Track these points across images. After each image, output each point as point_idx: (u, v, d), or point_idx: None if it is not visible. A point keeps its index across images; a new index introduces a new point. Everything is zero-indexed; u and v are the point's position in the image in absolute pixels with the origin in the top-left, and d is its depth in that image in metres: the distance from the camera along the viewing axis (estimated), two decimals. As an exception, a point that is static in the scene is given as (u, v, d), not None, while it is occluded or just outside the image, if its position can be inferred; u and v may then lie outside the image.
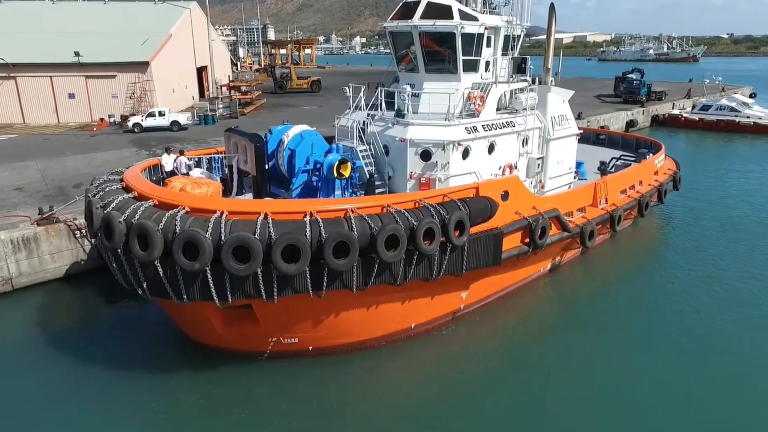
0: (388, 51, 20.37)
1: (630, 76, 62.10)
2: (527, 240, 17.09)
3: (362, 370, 15.17)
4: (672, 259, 22.95)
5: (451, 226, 13.87)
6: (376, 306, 14.94)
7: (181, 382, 14.49)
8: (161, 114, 39.93)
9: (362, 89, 19.86)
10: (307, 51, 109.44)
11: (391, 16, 19.51)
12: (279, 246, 11.74)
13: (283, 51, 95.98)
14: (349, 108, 20.08)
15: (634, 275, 21.56)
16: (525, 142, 20.08)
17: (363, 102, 19.62)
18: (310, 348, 15.09)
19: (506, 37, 19.90)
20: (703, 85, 66.52)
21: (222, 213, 12.17)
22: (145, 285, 12.66)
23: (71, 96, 45.11)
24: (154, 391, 14.12)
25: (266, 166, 15.99)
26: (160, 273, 12.14)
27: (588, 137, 33.13)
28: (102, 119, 43.83)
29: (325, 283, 12.65)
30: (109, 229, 12.31)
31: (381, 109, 19.12)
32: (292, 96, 67.62)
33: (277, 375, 14.69)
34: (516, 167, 19.95)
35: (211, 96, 53.36)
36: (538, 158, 20.54)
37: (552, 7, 21.69)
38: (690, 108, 58.18)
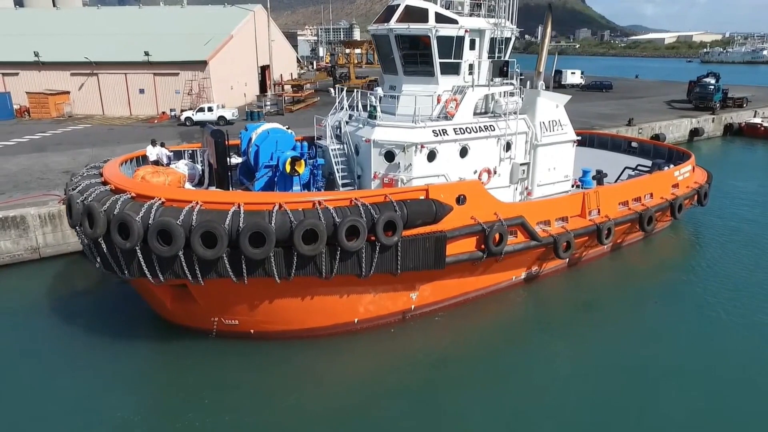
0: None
1: (705, 80, 56.74)
2: (483, 246, 16.87)
3: (306, 359, 15.75)
4: (670, 280, 21.31)
5: (380, 226, 14.19)
6: (312, 297, 15.61)
7: (148, 349, 16.36)
8: (209, 109, 43.37)
9: (344, 90, 20.57)
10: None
11: (375, 19, 20.00)
12: (197, 232, 12.86)
13: (358, 51, 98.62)
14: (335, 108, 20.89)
15: (621, 292, 20.32)
16: (508, 146, 19.67)
17: (345, 102, 20.33)
18: (252, 331, 16.11)
19: (492, 40, 19.59)
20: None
21: (159, 200, 13.52)
22: (98, 259, 14.38)
23: (141, 91, 50.26)
24: (126, 354, 15.85)
25: (229, 160, 17.23)
26: (104, 249, 13.75)
27: (619, 145, 31.38)
28: (164, 113, 48.34)
29: (245, 270, 13.58)
30: (70, 209, 14.16)
31: (357, 110, 19.71)
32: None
33: (222, 356, 15.70)
34: (496, 172, 19.63)
35: (271, 93, 56.52)
36: (522, 164, 20.05)
37: (549, 7, 20.93)
38: (774, 117, 52.13)
